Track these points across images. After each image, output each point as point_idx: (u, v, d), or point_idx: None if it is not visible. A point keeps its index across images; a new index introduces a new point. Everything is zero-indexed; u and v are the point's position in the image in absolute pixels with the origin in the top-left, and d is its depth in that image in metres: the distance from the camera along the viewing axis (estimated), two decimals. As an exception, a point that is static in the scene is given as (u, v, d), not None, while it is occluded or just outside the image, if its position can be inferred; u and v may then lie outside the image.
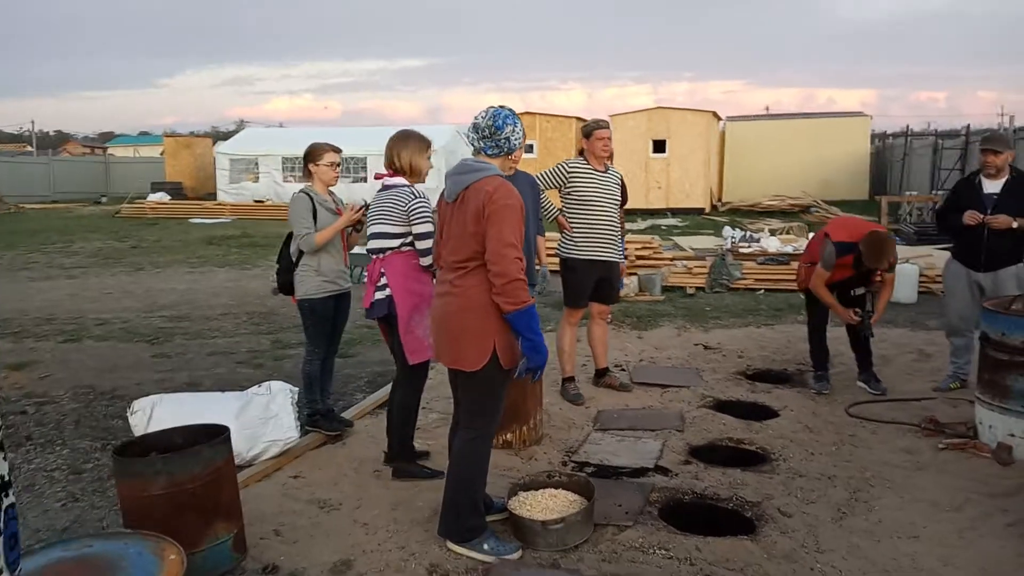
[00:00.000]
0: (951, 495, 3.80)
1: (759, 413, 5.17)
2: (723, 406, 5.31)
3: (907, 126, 23.54)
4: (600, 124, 5.27)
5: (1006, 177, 5.12)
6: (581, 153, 5.35)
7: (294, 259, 4.53)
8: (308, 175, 4.56)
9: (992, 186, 5.12)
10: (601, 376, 5.68)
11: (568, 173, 5.22)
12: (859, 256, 5.13)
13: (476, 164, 3.17)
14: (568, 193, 5.27)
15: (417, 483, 3.99)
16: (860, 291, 5.38)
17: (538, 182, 5.13)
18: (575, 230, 5.24)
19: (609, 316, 6.03)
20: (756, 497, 3.78)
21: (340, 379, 5.74)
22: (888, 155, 25.73)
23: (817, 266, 5.36)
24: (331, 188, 4.65)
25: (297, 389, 4.51)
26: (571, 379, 5.45)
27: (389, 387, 5.69)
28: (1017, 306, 4.28)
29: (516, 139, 3.18)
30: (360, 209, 4.54)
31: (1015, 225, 4.95)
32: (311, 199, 4.46)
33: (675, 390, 5.63)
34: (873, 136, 27.74)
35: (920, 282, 9.25)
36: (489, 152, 3.19)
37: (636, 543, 3.31)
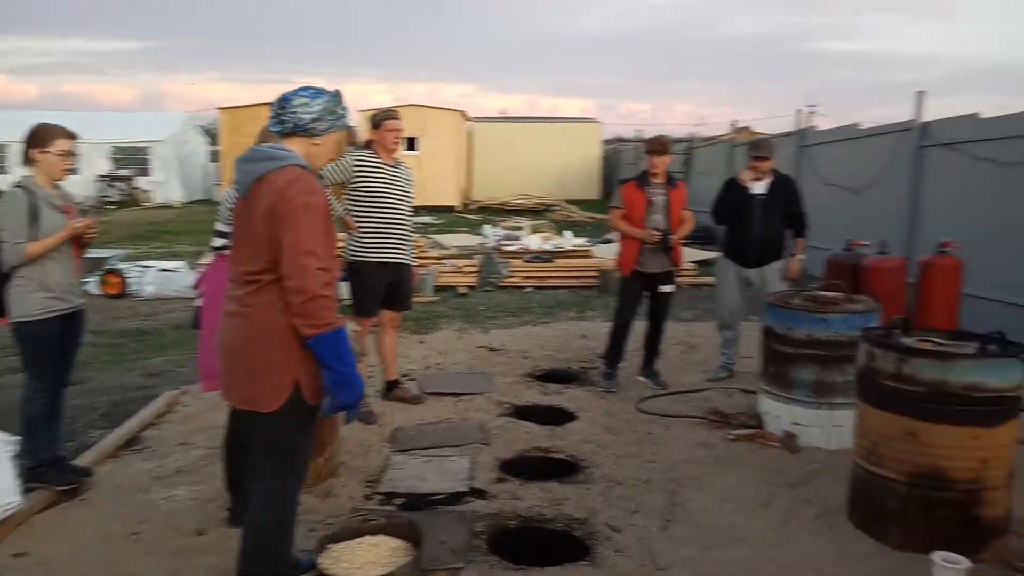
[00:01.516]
0: (756, 490, 3.87)
1: (558, 417, 5.02)
2: (522, 412, 5.09)
3: (641, 131, 25.62)
4: (390, 114, 4.77)
5: (770, 179, 5.49)
6: (368, 145, 4.82)
7: (4, 271, 3.50)
8: (29, 163, 3.54)
9: (759, 187, 5.47)
10: (391, 388, 5.20)
11: (355, 167, 4.66)
12: (643, 176, 5.37)
13: (269, 151, 2.54)
14: (355, 189, 4.71)
15: (189, 542, 3.24)
16: (661, 226, 5.30)
17: (323, 177, 4.51)
18: (363, 230, 4.70)
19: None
20: (581, 513, 3.57)
21: (68, 413, 4.63)
22: (617, 158, 27.81)
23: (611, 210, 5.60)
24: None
25: (17, 438, 3.48)
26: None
27: (134, 420, 4.74)
28: (797, 301, 4.52)
29: (310, 115, 2.53)
30: (87, 222, 3.63)
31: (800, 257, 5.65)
32: (31, 196, 3.46)
33: (469, 398, 5.31)
34: (603, 141, 29.94)
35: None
36: (274, 129, 2.58)
37: (472, 587, 2.91)
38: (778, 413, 4.50)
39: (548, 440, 4.55)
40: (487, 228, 13.92)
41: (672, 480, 4.00)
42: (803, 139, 11.62)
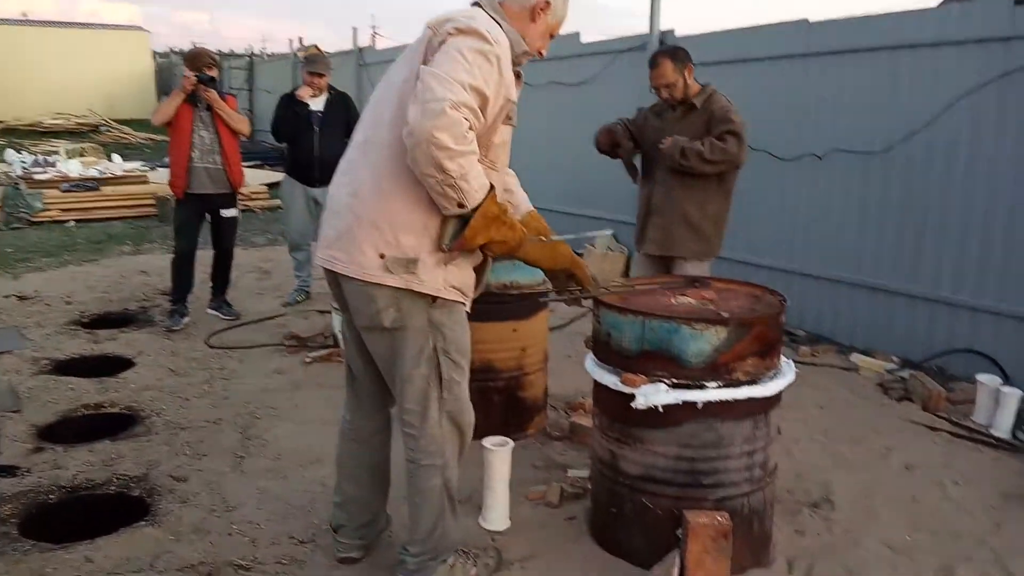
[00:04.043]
0: (334, 408, 3.85)
1: (111, 366, 4.46)
2: (65, 367, 4.42)
3: (200, 43, 23.49)
4: None
5: (327, 96, 5.41)
6: None
7: None
8: None
9: (317, 104, 5.36)
10: None
11: None
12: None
13: None
14: None
15: None
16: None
17: None
18: None
19: None
20: (140, 469, 3.21)
21: None
22: (172, 72, 25.20)
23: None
24: None
25: None
26: None
27: None
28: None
29: None
30: None
31: None
32: None
33: (-8, 360, 4.42)
34: (154, 53, 26.89)
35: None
36: None
37: (-3, 585, 2.42)
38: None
39: (100, 394, 4.01)
40: (11, 153, 11.60)
41: (247, 414, 3.83)
42: (362, 58, 11.74)
